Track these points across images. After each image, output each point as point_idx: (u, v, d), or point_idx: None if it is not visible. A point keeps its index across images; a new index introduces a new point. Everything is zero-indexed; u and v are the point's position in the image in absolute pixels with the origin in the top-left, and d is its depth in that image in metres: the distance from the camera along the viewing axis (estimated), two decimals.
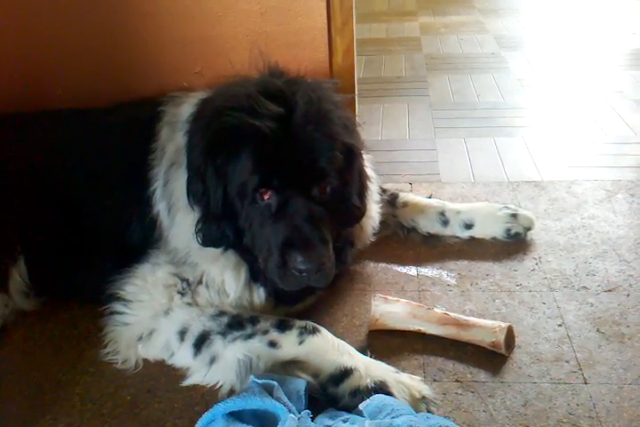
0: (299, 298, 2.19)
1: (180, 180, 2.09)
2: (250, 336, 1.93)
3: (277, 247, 1.89)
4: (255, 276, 2.10)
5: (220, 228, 2.01)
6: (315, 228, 1.88)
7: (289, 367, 1.88)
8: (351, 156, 2.06)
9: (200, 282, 2.11)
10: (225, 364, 1.91)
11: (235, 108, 1.92)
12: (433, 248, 2.63)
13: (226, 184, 1.96)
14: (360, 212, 2.18)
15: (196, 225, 2.03)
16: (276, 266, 1.90)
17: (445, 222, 2.65)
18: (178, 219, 2.12)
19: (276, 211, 1.91)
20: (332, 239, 1.98)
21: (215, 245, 2.05)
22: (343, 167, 2.00)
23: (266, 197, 1.91)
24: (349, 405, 1.78)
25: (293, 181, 1.90)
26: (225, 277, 2.10)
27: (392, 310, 2.12)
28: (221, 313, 2.03)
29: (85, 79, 2.94)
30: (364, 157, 2.27)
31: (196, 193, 2.01)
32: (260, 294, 2.13)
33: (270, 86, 1.99)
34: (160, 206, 2.16)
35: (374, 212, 2.42)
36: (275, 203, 1.91)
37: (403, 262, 2.55)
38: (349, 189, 2.09)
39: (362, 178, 2.18)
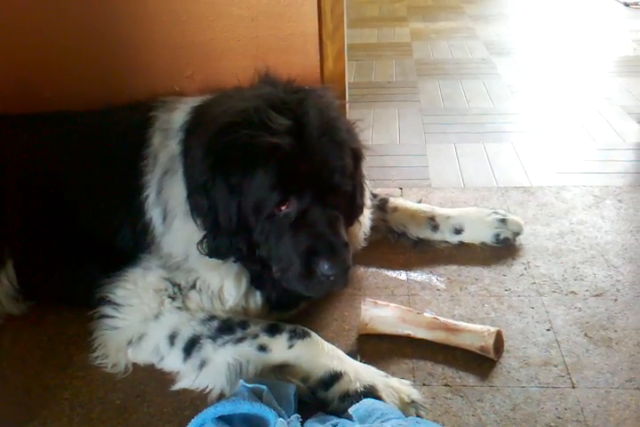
0: (294, 304, 2.20)
1: (175, 187, 2.08)
2: (240, 340, 1.93)
3: (300, 256, 1.89)
4: (256, 284, 2.10)
5: (232, 242, 1.99)
6: (335, 232, 1.91)
7: (279, 372, 1.88)
8: (357, 159, 2.12)
9: (192, 287, 2.10)
10: (215, 368, 1.91)
11: (244, 124, 1.90)
12: (423, 253, 2.64)
13: (240, 200, 1.94)
14: (361, 210, 2.26)
15: (203, 239, 2.00)
16: (299, 274, 1.90)
17: (435, 227, 2.67)
18: (175, 226, 2.11)
19: (294, 221, 1.91)
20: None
21: (223, 257, 2.03)
22: (352, 172, 2.05)
23: (283, 208, 1.91)
24: (339, 409, 1.78)
25: (311, 193, 1.91)
26: (225, 285, 2.09)
27: (382, 314, 2.12)
28: (212, 317, 2.03)
29: (75, 82, 2.92)
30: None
31: (201, 208, 1.98)
32: (256, 301, 2.13)
33: (275, 98, 1.98)
34: (153, 213, 2.14)
35: (366, 217, 2.42)
36: (293, 213, 1.91)
37: (392, 267, 2.55)
38: (356, 190, 2.15)
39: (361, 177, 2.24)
